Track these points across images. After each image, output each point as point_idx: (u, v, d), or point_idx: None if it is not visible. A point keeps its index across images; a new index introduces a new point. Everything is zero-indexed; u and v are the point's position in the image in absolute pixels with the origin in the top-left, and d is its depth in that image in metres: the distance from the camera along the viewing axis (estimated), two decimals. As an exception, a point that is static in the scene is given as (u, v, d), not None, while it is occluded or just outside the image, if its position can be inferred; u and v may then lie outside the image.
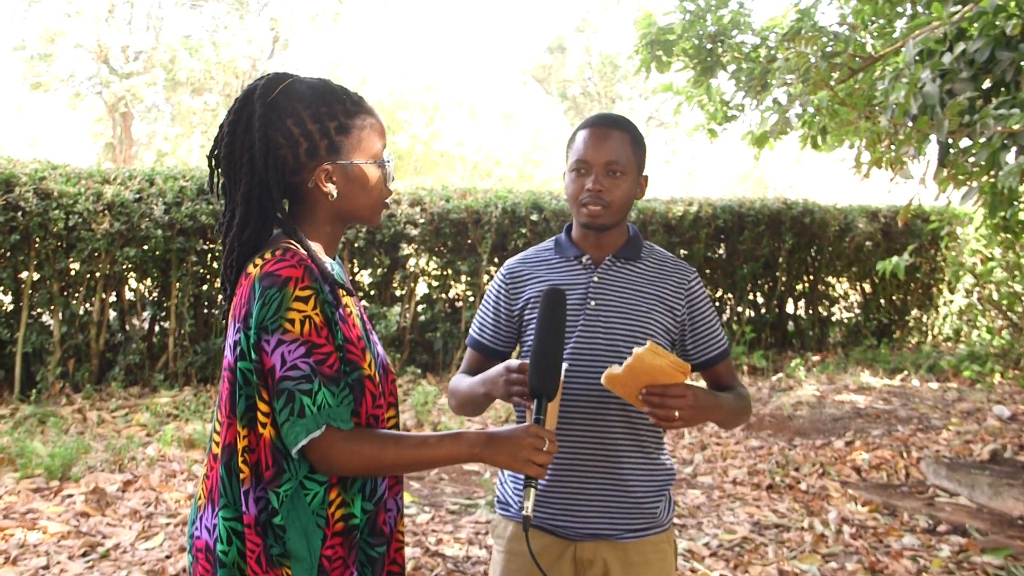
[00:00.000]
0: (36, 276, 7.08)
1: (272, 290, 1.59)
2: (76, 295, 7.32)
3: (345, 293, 1.74)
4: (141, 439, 5.99)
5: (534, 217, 8.79)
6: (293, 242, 1.69)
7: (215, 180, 1.79)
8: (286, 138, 1.69)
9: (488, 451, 1.70)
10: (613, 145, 2.13)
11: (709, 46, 6.08)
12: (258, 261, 1.65)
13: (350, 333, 1.69)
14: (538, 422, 1.79)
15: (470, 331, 2.38)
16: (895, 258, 6.01)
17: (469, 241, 8.72)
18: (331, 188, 1.72)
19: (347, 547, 1.69)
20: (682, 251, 9.68)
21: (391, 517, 1.80)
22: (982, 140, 3.94)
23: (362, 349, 1.71)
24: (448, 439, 1.70)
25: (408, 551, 4.37)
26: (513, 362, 1.99)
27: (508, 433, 1.72)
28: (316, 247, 1.75)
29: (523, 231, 8.72)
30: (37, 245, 6.92)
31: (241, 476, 1.62)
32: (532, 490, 1.76)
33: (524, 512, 1.76)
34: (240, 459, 1.62)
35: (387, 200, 1.83)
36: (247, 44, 28.98)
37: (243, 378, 1.63)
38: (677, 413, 1.89)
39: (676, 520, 4.94)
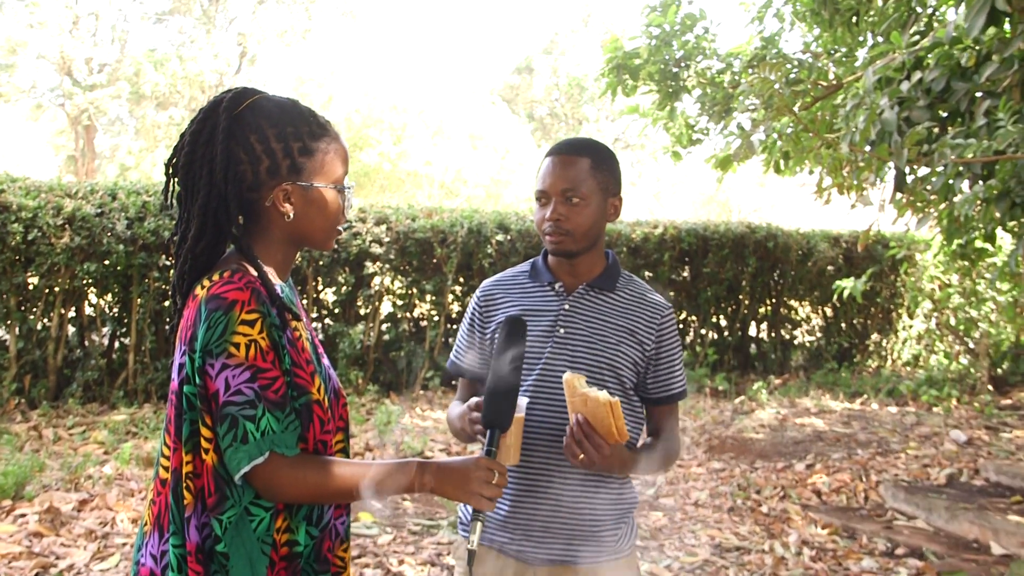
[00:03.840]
0: (-7, 290, 6.97)
1: (218, 313, 1.56)
2: (34, 310, 7.20)
3: (293, 317, 1.71)
4: (98, 457, 5.89)
5: (500, 237, 8.80)
6: (244, 262, 1.67)
7: (171, 189, 1.75)
8: (248, 154, 1.67)
9: (437, 482, 1.67)
10: (571, 173, 2.11)
11: (675, 70, 6.15)
12: (206, 283, 1.62)
13: (298, 357, 1.67)
14: (489, 454, 1.77)
15: (451, 355, 2.37)
16: (851, 280, 6.08)
17: (434, 260, 8.71)
18: (288, 208, 1.70)
19: (290, 573, 1.66)
20: (647, 273, 9.74)
21: (336, 543, 1.77)
22: (939, 169, 4.03)
23: (311, 374, 1.68)
24: (396, 468, 1.67)
25: (369, 572, 4.33)
26: (474, 400, 1.98)
27: (458, 464, 1.70)
28: (268, 269, 1.72)
29: (488, 251, 8.73)
30: (-6, 259, 6.82)
31: (184, 502, 1.59)
32: (479, 523, 1.73)
33: (469, 546, 1.74)
34: (184, 485, 1.59)
35: (340, 227, 1.81)
36: (214, 59, 28.84)
37: (187, 402, 1.60)
38: (582, 456, 1.92)
39: (638, 542, 4.94)
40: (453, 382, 8.74)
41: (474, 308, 2.31)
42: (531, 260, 2.31)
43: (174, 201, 1.75)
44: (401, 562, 4.50)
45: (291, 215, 1.70)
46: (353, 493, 1.64)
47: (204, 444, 1.58)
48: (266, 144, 1.67)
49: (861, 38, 5.97)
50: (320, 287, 8.63)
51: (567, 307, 2.18)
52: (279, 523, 1.64)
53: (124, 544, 4.50)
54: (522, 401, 1.94)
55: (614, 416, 1.88)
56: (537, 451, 2.12)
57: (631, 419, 2.18)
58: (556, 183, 2.11)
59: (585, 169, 2.12)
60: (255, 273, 1.65)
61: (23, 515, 4.75)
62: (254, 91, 1.74)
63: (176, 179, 1.73)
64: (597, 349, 2.14)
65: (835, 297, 7.90)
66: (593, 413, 1.90)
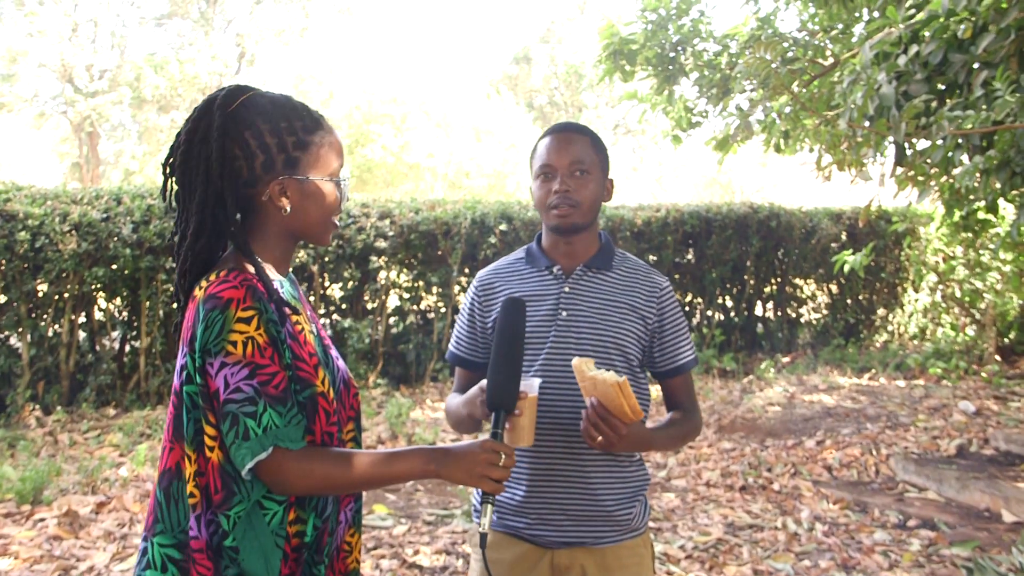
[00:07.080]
0: (2, 298, 7.01)
1: (214, 312, 1.57)
2: (44, 317, 7.26)
3: (291, 311, 1.70)
4: (114, 460, 5.95)
5: (503, 227, 8.82)
6: (242, 260, 1.67)
7: (168, 188, 1.76)
8: (243, 150, 1.68)
9: (444, 467, 1.67)
10: (576, 148, 2.16)
11: (671, 54, 6.16)
12: (204, 283, 1.64)
13: (301, 351, 1.67)
14: (495, 436, 1.77)
15: (449, 347, 2.38)
16: (849, 253, 6.06)
17: (439, 252, 8.74)
18: (285, 202, 1.70)
19: (299, 563, 1.68)
20: (651, 257, 9.75)
21: (340, 530, 1.79)
22: (938, 141, 4.04)
23: (315, 366, 1.69)
24: (403, 456, 1.68)
25: (385, 563, 4.38)
26: (483, 384, 1.98)
27: (464, 448, 1.69)
28: (266, 265, 1.73)
29: (492, 241, 8.76)
30: (3, 267, 6.86)
31: (192, 501, 1.61)
32: (489, 506, 1.75)
33: (480, 529, 1.76)
34: (192, 483, 1.60)
35: (337, 220, 1.81)
36: (212, 60, 28.85)
37: (190, 401, 1.61)
38: (600, 438, 1.94)
39: (651, 524, 4.98)
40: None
41: (472, 298, 2.31)
42: (525, 247, 2.33)
43: (173, 200, 1.75)
44: (416, 552, 4.55)
45: (288, 209, 1.71)
46: (362, 483, 1.65)
47: (208, 442, 1.59)
48: (260, 140, 1.69)
49: (857, 14, 5.97)
50: (327, 283, 8.67)
51: (567, 289, 2.20)
52: (291, 516, 1.65)
53: (143, 543, 4.55)
54: (535, 382, 1.95)
55: (624, 395, 1.89)
56: (549, 434, 2.13)
57: (639, 396, 2.20)
58: (563, 157, 2.15)
59: (588, 144, 2.19)
60: (252, 270, 1.66)
61: (42, 519, 4.81)
62: (248, 88, 1.74)
63: (173, 178, 1.74)
64: (601, 328, 2.17)
65: (837, 271, 7.84)
66: (604, 395, 1.91)
